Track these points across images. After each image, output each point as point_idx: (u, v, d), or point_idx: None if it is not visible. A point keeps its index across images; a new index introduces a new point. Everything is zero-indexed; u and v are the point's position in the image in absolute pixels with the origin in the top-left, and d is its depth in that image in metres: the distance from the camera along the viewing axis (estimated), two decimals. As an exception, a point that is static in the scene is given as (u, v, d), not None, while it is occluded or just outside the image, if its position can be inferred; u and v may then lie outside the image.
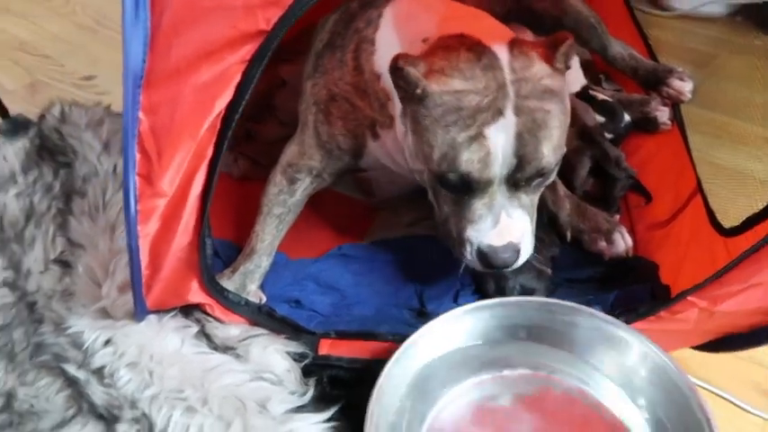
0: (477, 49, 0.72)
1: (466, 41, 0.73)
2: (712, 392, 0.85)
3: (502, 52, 0.73)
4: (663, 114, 1.09)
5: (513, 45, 0.74)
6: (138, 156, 0.63)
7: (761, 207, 0.73)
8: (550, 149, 0.72)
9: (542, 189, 0.79)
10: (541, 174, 0.74)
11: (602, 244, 0.92)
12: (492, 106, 0.70)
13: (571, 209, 0.96)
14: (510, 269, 0.81)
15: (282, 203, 0.93)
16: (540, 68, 0.73)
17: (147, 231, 0.67)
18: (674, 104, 1.09)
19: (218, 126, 0.66)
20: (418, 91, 0.71)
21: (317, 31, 0.99)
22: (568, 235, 0.96)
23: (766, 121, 0.99)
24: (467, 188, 0.74)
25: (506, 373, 0.79)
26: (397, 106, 0.80)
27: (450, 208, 0.78)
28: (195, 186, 0.68)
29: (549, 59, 0.73)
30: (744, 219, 0.76)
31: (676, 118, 1.08)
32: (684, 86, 1.08)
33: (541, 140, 0.71)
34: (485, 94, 0.71)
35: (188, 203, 0.69)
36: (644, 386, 0.74)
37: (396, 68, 0.71)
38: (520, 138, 0.71)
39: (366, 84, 0.84)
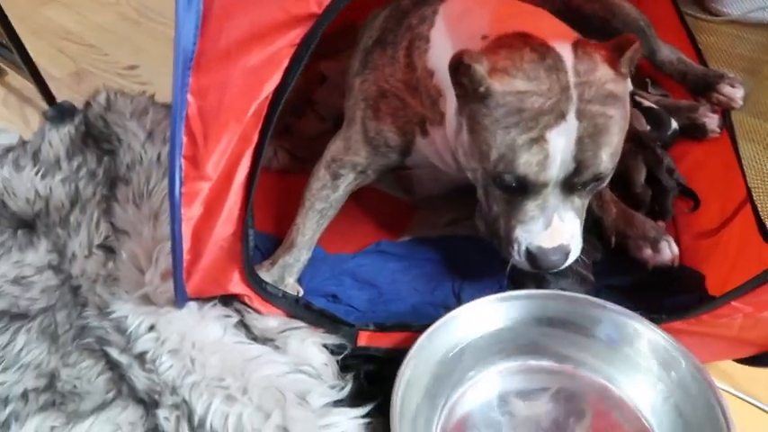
0: (541, 50, 0.71)
1: (530, 41, 0.72)
2: (759, 408, 0.83)
3: (566, 53, 0.72)
4: (712, 121, 1.07)
5: (578, 46, 0.73)
6: (184, 138, 0.63)
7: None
8: (609, 155, 0.71)
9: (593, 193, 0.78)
10: (598, 178, 0.74)
11: (648, 252, 0.90)
12: (555, 109, 0.70)
13: (617, 214, 0.94)
14: (555, 271, 0.81)
15: (325, 198, 0.94)
16: (603, 72, 0.71)
17: (190, 215, 0.68)
18: (724, 111, 1.07)
19: (264, 111, 0.66)
20: (482, 89, 0.71)
21: (365, 27, 0.99)
22: (613, 240, 0.94)
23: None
24: (521, 189, 0.74)
25: (532, 363, 0.81)
26: (449, 103, 0.80)
27: (501, 207, 0.78)
28: (240, 173, 0.69)
29: (613, 63, 0.72)
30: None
31: (726, 125, 1.05)
32: (735, 93, 1.05)
33: (601, 146, 0.71)
34: (548, 96, 0.70)
35: (232, 190, 0.69)
36: (668, 384, 0.74)
37: (459, 65, 0.70)
38: (580, 142, 0.70)
39: (418, 81, 0.84)
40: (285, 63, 0.64)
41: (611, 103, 0.71)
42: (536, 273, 0.88)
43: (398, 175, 1.08)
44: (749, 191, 0.90)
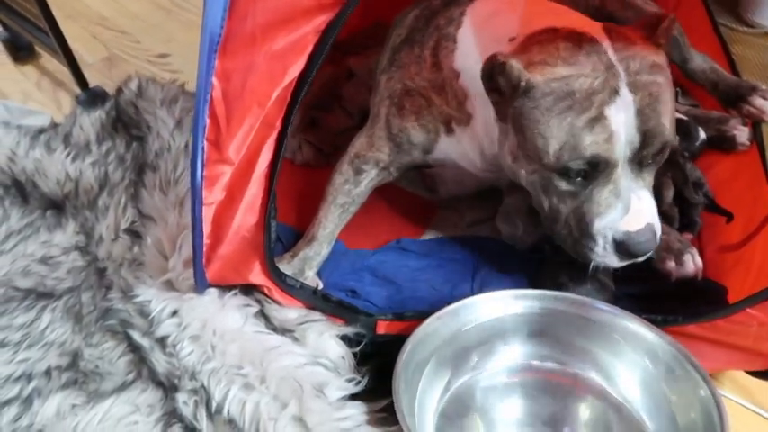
0: (573, 37, 0.71)
1: (560, 32, 0.72)
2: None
3: (600, 36, 0.71)
4: (742, 134, 1.05)
5: (610, 30, 0.73)
6: (207, 121, 0.64)
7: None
8: (669, 122, 0.71)
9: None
10: (664, 148, 0.72)
11: (671, 264, 0.89)
12: (606, 86, 0.68)
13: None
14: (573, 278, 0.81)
15: (347, 193, 0.95)
16: (641, 47, 0.71)
17: (211, 199, 0.69)
18: (754, 124, 1.05)
19: (288, 98, 0.66)
20: (522, 84, 0.69)
21: (395, 26, 1.00)
22: None
23: None
24: (590, 176, 0.71)
25: (535, 363, 0.81)
26: (477, 108, 0.80)
27: (569, 206, 0.75)
28: (262, 160, 0.69)
29: (648, 39, 0.72)
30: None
31: (756, 138, 1.03)
32: (767, 105, 1.04)
33: (662, 114, 0.70)
34: (594, 76, 0.69)
35: (253, 177, 0.70)
36: (669, 390, 0.74)
37: (492, 67, 0.70)
38: (641, 114, 0.69)
39: (444, 81, 0.85)
40: (309, 49, 0.65)
41: (657, 71, 0.70)
42: (557, 278, 0.89)
43: (422, 174, 1.08)
44: (776, 206, 0.89)
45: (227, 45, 0.63)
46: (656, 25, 0.72)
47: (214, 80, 0.64)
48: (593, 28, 0.73)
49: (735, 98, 1.08)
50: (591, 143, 0.69)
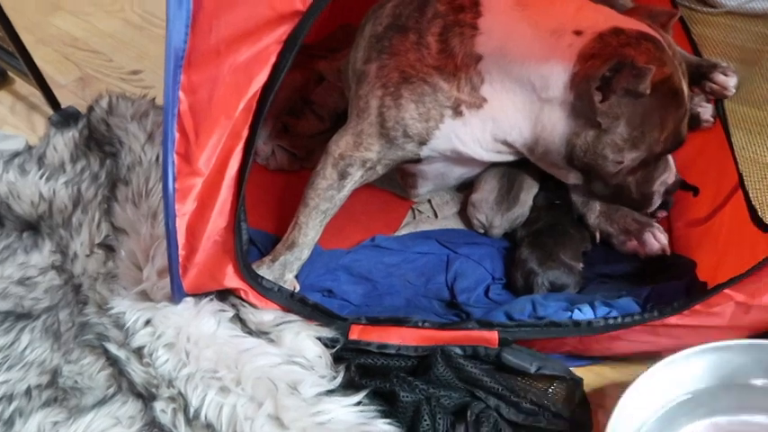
0: (650, 39, 0.80)
1: (630, 33, 0.79)
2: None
3: (655, 33, 0.82)
4: (706, 111, 1.06)
5: (651, 27, 0.83)
6: (176, 135, 0.65)
7: (805, 203, 0.71)
8: None
9: None
10: None
11: (633, 244, 0.92)
12: (682, 81, 0.81)
13: (600, 211, 0.95)
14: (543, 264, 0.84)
15: (330, 199, 0.93)
16: (667, 37, 0.84)
17: (184, 210, 0.70)
18: (717, 101, 1.07)
19: (254, 107, 0.67)
20: (647, 87, 0.76)
21: (368, 19, 0.96)
22: (597, 236, 0.96)
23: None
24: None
25: (744, 417, 0.77)
26: (495, 90, 0.84)
27: (636, 177, 0.88)
28: (231, 167, 0.70)
29: (664, 27, 0.86)
30: (787, 215, 0.74)
31: (719, 114, 1.05)
32: (728, 81, 1.06)
33: None
34: (676, 73, 0.80)
35: (224, 184, 0.70)
36: None
37: (623, 67, 0.75)
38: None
39: (456, 67, 0.84)
40: (272, 60, 0.65)
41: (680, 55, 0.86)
42: (526, 264, 0.90)
43: (402, 173, 1.09)
44: (741, 177, 0.90)
45: (191, 59, 0.63)
46: (656, 17, 0.85)
47: (181, 94, 0.65)
48: (643, 26, 0.82)
49: (697, 77, 1.10)
50: (683, 130, 0.84)
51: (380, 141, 0.89)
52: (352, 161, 0.91)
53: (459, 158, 0.95)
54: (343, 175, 0.92)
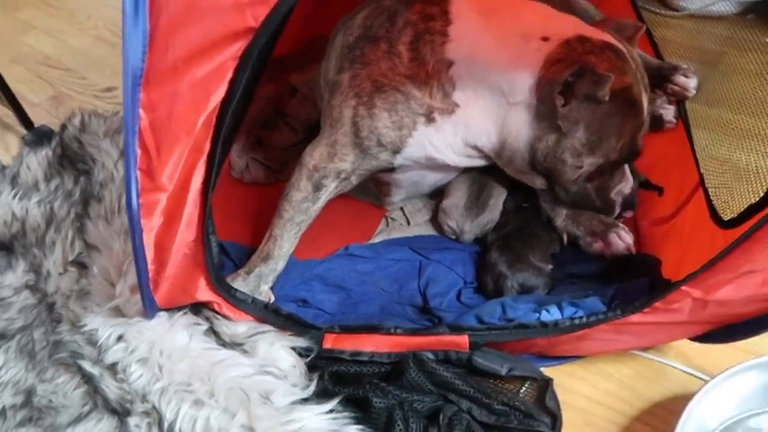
0: (614, 49, 0.82)
1: (594, 42, 0.82)
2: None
3: (621, 44, 0.84)
4: (668, 112, 1.09)
5: (617, 38, 0.85)
6: (138, 151, 0.66)
7: (758, 199, 0.73)
8: None
9: None
10: None
11: (599, 245, 0.94)
12: (642, 91, 0.83)
13: (567, 214, 0.98)
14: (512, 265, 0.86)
15: (305, 211, 0.93)
16: (632, 50, 0.86)
17: (150, 225, 0.70)
18: (679, 102, 1.09)
19: (214, 122, 0.68)
20: (606, 93, 0.78)
21: (339, 29, 0.97)
22: (565, 238, 0.99)
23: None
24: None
25: None
26: (467, 96, 0.85)
27: (593, 184, 0.89)
28: (195, 181, 0.71)
29: (629, 40, 0.89)
30: (741, 210, 0.75)
31: (681, 115, 1.08)
32: (689, 83, 1.08)
33: None
34: (636, 83, 0.82)
35: (189, 198, 0.71)
36: None
37: (585, 74, 0.77)
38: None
39: (429, 74, 0.85)
40: (229, 75, 0.66)
41: (643, 69, 0.86)
42: (495, 268, 0.92)
43: (376, 182, 1.10)
44: (701, 176, 0.92)
45: (150, 77, 0.64)
46: (622, 30, 0.88)
47: (141, 112, 0.65)
48: (605, 35, 0.84)
49: (659, 79, 1.12)
50: (640, 139, 0.86)
51: (355, 151, 0.90)
52: (326, 173, 0.91)
53: (432, 165, 0.96)
54: (317, 187, 0.92)
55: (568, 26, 0.84)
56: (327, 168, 0.91)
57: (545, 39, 0.82)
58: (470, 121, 0.87)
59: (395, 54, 0.86)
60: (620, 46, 0.83)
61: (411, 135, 0.88)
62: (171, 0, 0.61)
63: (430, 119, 0.87)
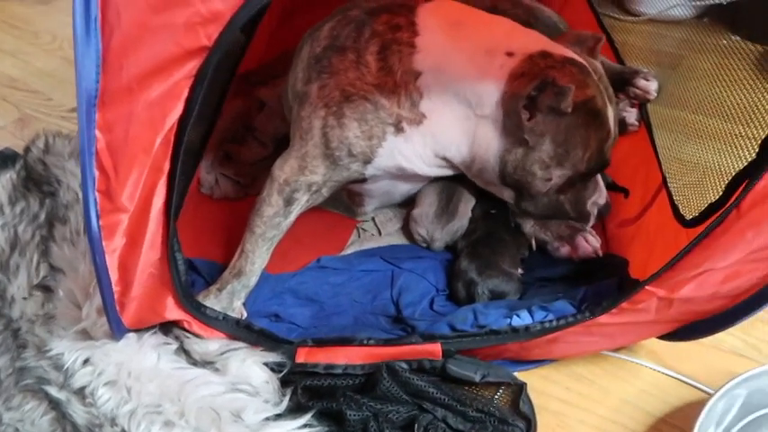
0: (575, 63, 0.84)
1: (556, 57, 0.83)
2: (683, 381, 0.87)
3: (583, 59, 0.86)
4: (630, 115, 1.11)
5: (580, 53, 0.87)
6: (96, 173, 0.65)
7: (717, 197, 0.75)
8: None
9: None
10: None
11: (566, 249, 0.95)
12: (606, 103, 0.84)
13: (535, 222, 0.99)
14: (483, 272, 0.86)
15: (277, 226, 0.92)
16: (594, 62, 0.88)
17: (113, 247, 0.69)
18: (641, 105, 1.11)
19: (172, 140, 0.68)
20: (569, 105, 0.79)
21: (305, 40, 0.97)
22: (534, 243, 1.00)
23: (732, 117, 1.01)
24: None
25: None
26: (435, 106, 0.86)
27: (567, 196, 0.91)
28: (156, 201, 0.70)
29: (591, 53, 0.91)
30: (702, 209, 0.77)
31: (643, 118, 1.10)
32: (650, 86, 1.10)
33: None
34: (600, 95, 0.84)
35: (151, 217, 0.70)
36: None
37: (546, 86, 0.79)
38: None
39: (396, 83, 0.85)
40: (185, 94, 0.66)
41: (607, 81, 0.88)
42: (466, 275, 0.92)
43: (349, 193, 1.10)
44: (664, 177, 0.94)
45: (105, 98, 0.64)
46: (583, 42, 0.91)
47: (97, 133, 0.64)
48: (567, 51, 0.86)
49: (621, 83, 1.14)
50: (608, 150, 0.87)
51: (325, 163, 0.90)
52: (297, 186, 0.90)
53: (403, 175, 0.96)
54: (289, 202, 0.91)
55: (532, 41, 0.86)
56: (299, 181, 0.90)
57: (509, 54, 0.83)
58: (439, 131, 0.87)
59: (363, 64, 0.86)
60: (581, 60, 0.85)
61: (381, 145, 0.88)
62: (123, 20, 0.60)
63: (399, 128, 0.87)
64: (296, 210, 0.93)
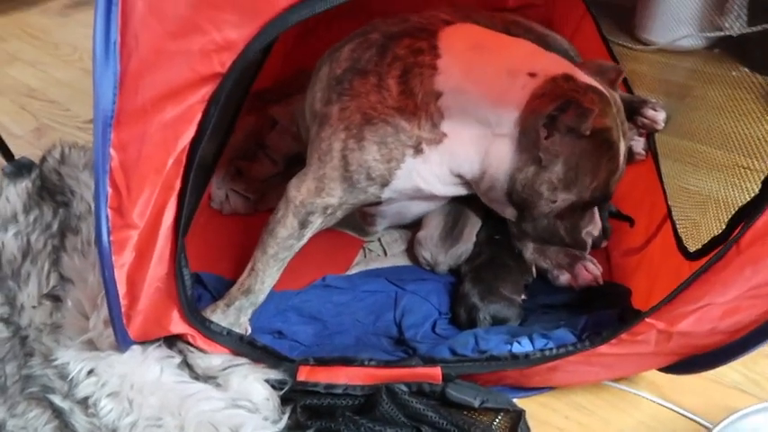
0: (596, 91, 0.84)
1: (579, 84, 0.84)
2: (682, 414, 0.86)
3: (604, 87, 0.86)
4: (638, 144, 1.12)
5: (602, 83, 0.87)
6: (109, 190, 0.67)
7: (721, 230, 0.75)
8: None
9: None
10: None
11: (566, 277, 0.95)
12: (618, 137, 0.84)
13: (534, 247, 0.99)
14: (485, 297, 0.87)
15: (290, 248, 0.93)
16: (614, 94, 0.87)
17: (122, 262, 0.71)
18: (649, 134, 1.12)
19: (184, 161, 0.70)
20: (588, 129, 0.80)
21: (324, 61, 0.98)
22: (534, 270, 1.00)
23: (738, 149, 1.01)
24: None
25: None
26: (454, 126, 0.86)
27: (564, 223, 0.90)
28: (166, 218, 0.72)
29: (611, 83, 0.90)
30: (705, 242, 0.77)
31: (650, 147, 1.10)
32: (658, 116, 1.11)
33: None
34: (616, 128, 0.84)
35: (160, 234, 0.72)
36: None
37: (570, 106, 0.79)
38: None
39: (417, 106, 0.86)
40: (198, 117, 0.68)
41: (624, 116, 0.88)
42: (468, 300, 0.93)
43: (361, 213, 1.11)
44: (669, 208, 0.94)
45: (120, 118, 0.66)
46: (604, 72, 0.91)
47: (112, 151, 0.67)
48: (589, 79, 0.86)
49: (629, 112, 1.15)
50: (613, 183, 0.87)
51: (343, 185, 0.89)
52: (313, 208, 0.90)
53: (417, 196, 0.96)
54: (303, 225, 0.91)
55: (555, 64, 0.86)
56: (315, 204, 0.90)
57: (532, 74, 0.84)
58: (456, 149, 0.88)
59: (384, 87, 0.87)
60: (603, 89, 0.85)
61: (399, 167, 0.89)
62: (141, 44, 0.62)
63: (418, 150, 0.88)
64: (309, 233, 0.93)
